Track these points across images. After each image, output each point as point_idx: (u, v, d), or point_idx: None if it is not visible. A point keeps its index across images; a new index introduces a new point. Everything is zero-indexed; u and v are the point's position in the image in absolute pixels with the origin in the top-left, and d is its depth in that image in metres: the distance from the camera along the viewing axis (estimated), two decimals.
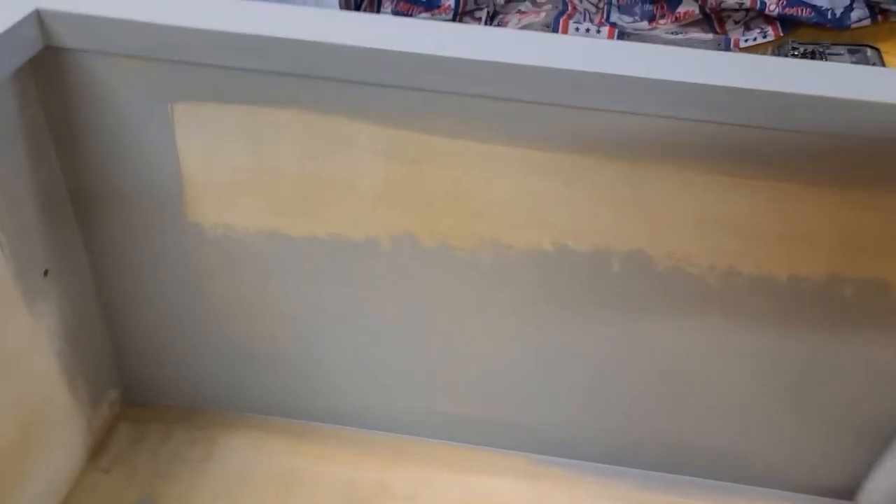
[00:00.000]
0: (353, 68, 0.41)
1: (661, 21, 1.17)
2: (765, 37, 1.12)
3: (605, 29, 1.13)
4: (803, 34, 1.12)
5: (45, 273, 0.47)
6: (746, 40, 1.13)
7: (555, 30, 1.12)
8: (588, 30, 1.13)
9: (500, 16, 1.19)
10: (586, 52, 0.42)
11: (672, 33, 1.14)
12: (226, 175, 0.47)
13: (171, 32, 0.42)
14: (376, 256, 0.49)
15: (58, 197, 0.48)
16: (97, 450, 0.57)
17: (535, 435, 0.57)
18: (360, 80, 0.42)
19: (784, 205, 0.44)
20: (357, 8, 1.19)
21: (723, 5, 1.13)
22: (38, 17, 0.41)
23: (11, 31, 0.40)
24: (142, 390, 0.59)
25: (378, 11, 1.21)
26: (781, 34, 1.11)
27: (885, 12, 1.09)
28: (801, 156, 0.42)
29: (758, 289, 0.46)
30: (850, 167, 0.42)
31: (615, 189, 0.45)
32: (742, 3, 1.14)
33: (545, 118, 0.43)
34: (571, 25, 1.13)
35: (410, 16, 1.18)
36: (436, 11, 1.20)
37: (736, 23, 1.16)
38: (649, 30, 1.15)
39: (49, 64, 0.43)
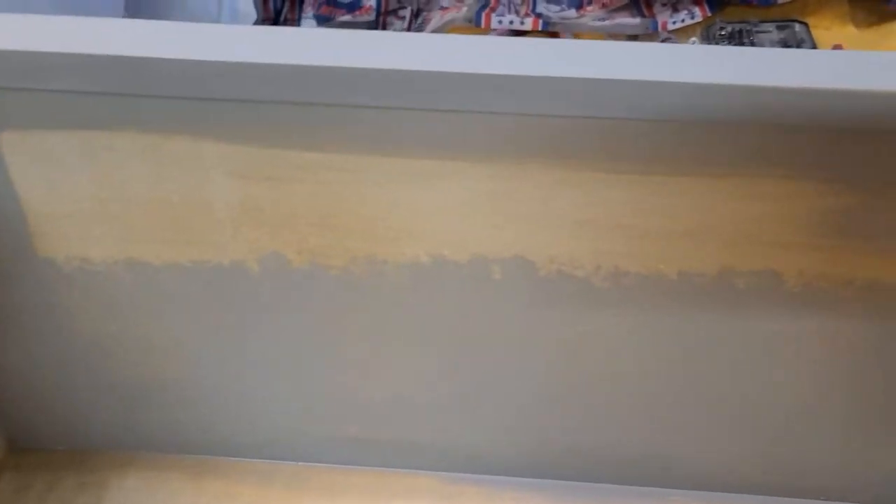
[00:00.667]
0: (185, 83, 0.38)
1: (589, 8, 1.15)
2: (693, 18, 1.11)
3: (530, 20, 1.11)
4: (731, 13, 1.11)
5: None
6: (675, 22, 1.11)
7: (477, 24, 1.10)
8: (511, 21, 1.10)
9: (424, 13, 1.16)
10: (446, 51, 0.39)
11: (600, 19, 1.12)
12: (71, 204, 0.43)
13: None
14: (247, 280, 0.46)
15: None
16: None
17: (445, 453, 0.54)
18: (195, 95, 0.39)
19: (667, 199, 0.41)
20: (277, 14, 1.16)
21: None
22: None
23: None
24: (26, 437, 0.56)
25: (299, 16, 1.18)
26: (709, 14, 1.09)
27: None
28: (680, 147, 0.40)
29: (647, 288, 0.44)
30: (730, 156, 0.40)
31: (488, 194, 0.42)
32: None
33: (407, 124, 0.40)
34: (494, 18, 1.10)
35: (332, 18, 1.15)
36: (357, 13, 1.17)
37: (663, 5, 1.14)
38: (577, 18, 1.13)
39: None
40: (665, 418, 0.50)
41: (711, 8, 1.10)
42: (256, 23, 1.09)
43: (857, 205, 0.40)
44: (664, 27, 1.10)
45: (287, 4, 1.18)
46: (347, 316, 0.47)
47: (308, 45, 0.39)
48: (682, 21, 1.11)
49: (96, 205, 0.43)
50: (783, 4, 1.12)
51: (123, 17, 0.91)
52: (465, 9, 1.12)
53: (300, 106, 0.39)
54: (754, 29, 1.10)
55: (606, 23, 1.12)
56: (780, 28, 1.11)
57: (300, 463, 0.55)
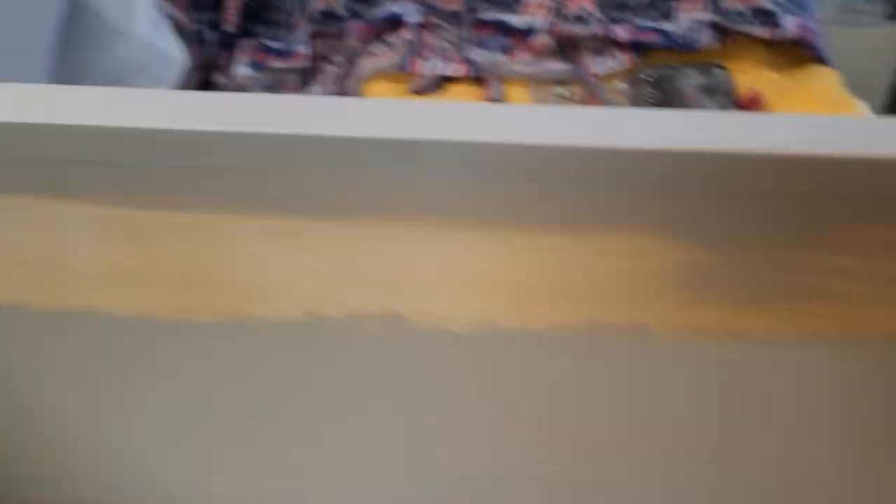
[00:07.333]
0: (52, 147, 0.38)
1: (517, 53, 1.17)
2: (619, 64, 1.14)
3: (458, 66, 1.13)
4: (654, 58, 1.14)
5: None
6: (602, 69, 1.13)
7: (406, 70, 1.12)
8: (438, 66, 1.13)
9: (357, 58, 1.18)
10: (305, 112, 0.40)
11: (528, 65, 1.15)
12: None
13: None
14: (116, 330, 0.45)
15: None
16: None
17: None
18: (64, 158, 0.39)
19: (534, 255, 0.42)
20: (212, 60, 1.17)
21: (574, 35, 1.14)
22: None
23: None
24: None
25: (232, 62, 1.19)
26: (636, 59, 1.12)
27: (729, 33, 1.11)
28: (536, 204, 0.41)
29: (519, 339, 0.45)
30: (584, 213, 0.41)
31: (357, 252, 0.42)
32: (594, 34, 1.16)
33: (278, 183, 0.40)
34: (422, 64, 1.12)
35: (265, 65, 1.15)
36: (290, 60, 1.18)
37: (589, 51, 1.17)
38: (507, 63, 1.15)
39: None
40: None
41: (637, 54, 1.14)
42: (191, 68, 1.08)
43: (706, 260, 0.41)
44: (591, 73, 1.13)
45: (220, 51, 1.19)
46: (216, 371, 0.47)
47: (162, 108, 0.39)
48: (610, 67, 1.14)
49: None
50: (705, 50, 1.15)
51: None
52: (396, 55, 1.14)
53: (166, 170, 0.40)
54: (677, 74, 1.13)
55: (535, 68, 1.15)
56: (701, 72, 1.15)
57: None
